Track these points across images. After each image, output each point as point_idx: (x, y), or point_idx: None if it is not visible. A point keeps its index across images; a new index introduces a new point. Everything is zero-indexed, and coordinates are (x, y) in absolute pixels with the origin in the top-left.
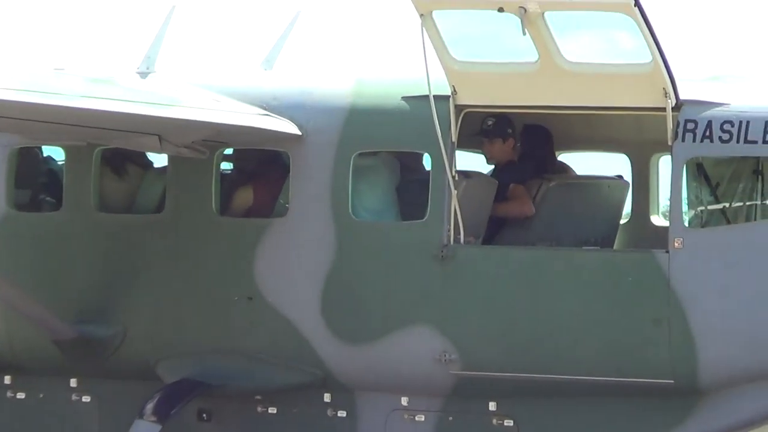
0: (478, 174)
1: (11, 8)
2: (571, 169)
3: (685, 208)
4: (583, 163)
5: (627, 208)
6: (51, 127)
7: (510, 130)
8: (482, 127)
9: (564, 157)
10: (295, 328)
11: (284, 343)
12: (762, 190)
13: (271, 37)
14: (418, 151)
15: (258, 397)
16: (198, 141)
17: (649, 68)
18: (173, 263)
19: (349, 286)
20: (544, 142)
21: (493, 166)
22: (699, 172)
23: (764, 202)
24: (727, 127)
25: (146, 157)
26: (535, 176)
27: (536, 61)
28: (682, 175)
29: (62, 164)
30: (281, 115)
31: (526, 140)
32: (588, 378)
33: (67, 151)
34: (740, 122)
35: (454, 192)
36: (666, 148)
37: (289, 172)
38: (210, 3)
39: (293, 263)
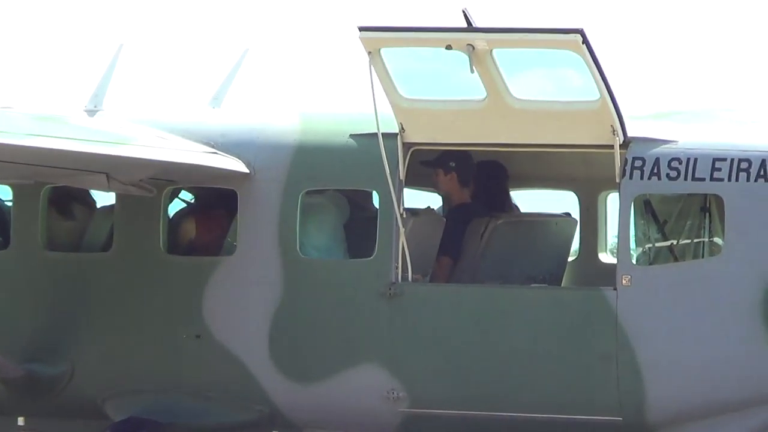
0: (426, 211)
1: None
2: (517, 206)
3: (633, 245)
4: (531, 200)
5: (575, 245)
6: None
7: (453, 164)
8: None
9: (512, 195)
10: (243, 366)
11: (232, 381)
12: (710, 227)
13: (218, 74)
14: (366, 189)
15: None
16: (145, 179)
17: (596, 105)
18: (121, 302)
19: (296, 325)
20: (499, 178)
21: (442, 202)
22: (647, 209)
23: (712, 239)
24: (674, 164)
25: (90, 195)
26: (485, 214)
27: (484, 99)
28: (629, 213)
29: (10, 203)
30: (229, 153)
31: (480, 177)
32: (537, 416)
33: (15, 189)
34: (688, 159)
35: (402, 230)
36: (614, 186)
37: (236, 210)
38: (158, 41)
39: (241, 301)
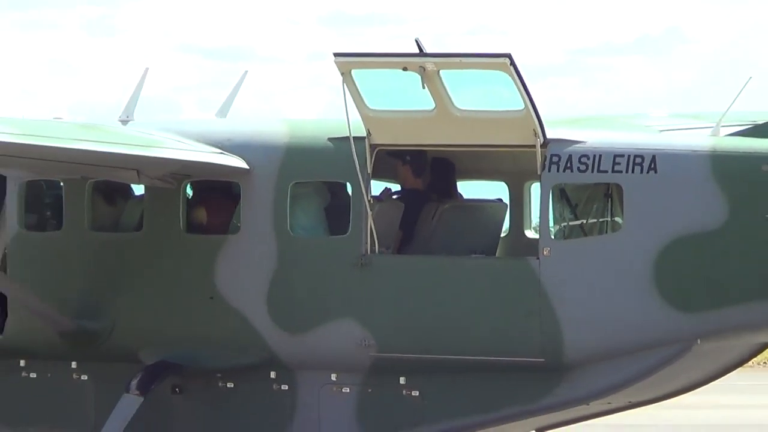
0: (388, 198)
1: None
2: (461, 194)
3: (551, 224)
4: (470, 189)
5: (506, 224)
6: (50, 164)
7: (408, 158)
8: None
9: (457, 185)
10: (246, 321)
11: (238, 333)
12: (611, 209)
13: (224, 91)
14: (341, 181)
15: (218, 375)
16: (168, 174)
17: (522, 114)
18: (150, 271)
19: (288, 288)
20: (448, 171)
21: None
22: (562, 195)
23: (613, 219)
24: (584, 159)
25: (129, 187)
26: (436, 200)
27: (433, 109)
28: (549, 198)
29: (62, 193)
30: (233, 154)
31: (433, 171)
32: (477, 358)
33: (66, 183)
34: (594, 155)
35: (370, 213)
36: (536, 177)
37: (239, 198)
38: (176, 65)
39: (245, 270)
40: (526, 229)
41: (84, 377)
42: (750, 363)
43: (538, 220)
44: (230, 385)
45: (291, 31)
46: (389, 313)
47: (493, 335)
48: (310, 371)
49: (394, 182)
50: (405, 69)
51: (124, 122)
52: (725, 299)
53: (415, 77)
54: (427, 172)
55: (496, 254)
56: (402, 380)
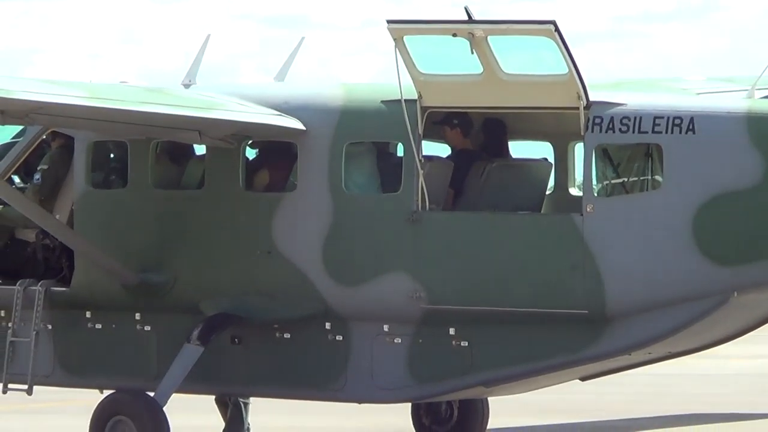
0: (438, 158)
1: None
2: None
3: (594, 182)
4: (517, 149)
5: (551, 182)
6: (117, 125)
7: (456, 121)
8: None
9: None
10: (303, 274)
11: (295, 285)
12: (652, 168)
13: (282, 56)
14: (393, 141)
15: (276, 326)
16: (228, 135)
17: (566, 78)
18: (211, 227)
19: (343, 243)
20: (500, 131)
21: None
22: (605, 155)
23: (653, 177)
24: (625, 121)
25: (191, 147)
26: (484, 159)
27: (481, 73)
28: (592, 158)
29: (127, 153)
30: (291, 116)
31: (486, 130)
32: (523, 310)
33: (131, 143)
34: (634, 117)
35: (421, 171)
36: (579, 137)
37: (296, 157)
38: (236, 32)
39: (301, 226)
40: (570, 187)
41: (147, 328)
42: None
43: (581, 178)
44: (287, 335)
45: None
46: (439, 267)
47: (538, 288)
48: (363, 322)
49: (443, 143)
50: (455, 35)
51: (187, 86)
52: (760, 253)
53: (464, 43)
54: (476, 132)
55: (542, 211)
56: (451, 331)
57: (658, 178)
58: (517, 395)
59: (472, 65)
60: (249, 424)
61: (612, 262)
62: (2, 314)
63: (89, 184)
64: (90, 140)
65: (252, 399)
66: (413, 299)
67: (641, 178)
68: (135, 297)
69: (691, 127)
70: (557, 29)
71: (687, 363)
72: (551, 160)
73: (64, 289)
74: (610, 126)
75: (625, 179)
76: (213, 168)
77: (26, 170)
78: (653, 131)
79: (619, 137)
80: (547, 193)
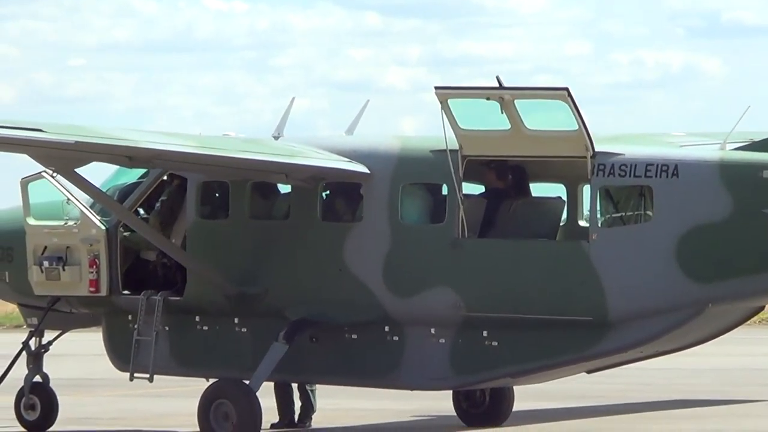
0: (475, 196)
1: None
2: (531, 192)
3: (598, 215)
4: (537, 189)
5: (564, 215)
6: (221, 169)
7: (492, 165)
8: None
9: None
10: (367, 288)
11: (361, 296)
12: (644, 204)
13: (351, 116)
14: (439, 183)
15: (345, 328)
16: (308, 177)
17: (576, 133)
18: (294, 249)
19: (399, 263)
20: (522, 175)
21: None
22: (607, 194)
23: (645, 212)
24: (623, 167)
25: (277, 186)
26: (511, 197)
27: (509, 129)
28: (596, 196)
29: (229, 191)
30: (358, 162)
31: (512, 174)
32: (541, 316)
33: (232, 183)
34: (631, 164)
35: (461, 206)
36: (587, 180)
37: (362, 195)
38: (315, 95)
39: (366, 249)
40: (579, 219)
41: (244, 329)
42: (749, 321)
43: (588, 212)
44: (354, 336)
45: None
46: (475, 282)
47: (553, 299)
48: (415, 326)
49: (479, 184)
50: (488, 99)
51: (276, 138)
52: (731, 273)
53: (495, 105)
54: (506, 175)
55: (557, 238)
56: (485, 333)
57: (649, 212)
58: (537, 384)
59: (502, 122)
60: (316, 406)
61: (612, 278)
62: (129, 318)
63: (198, 216)
64: (199, 180)
65: (323, 386)
66: (454, 308)
67: (635, 212)
68: (234, 305)
69: (675, 172)
70: (569, 94)
71: (672, 359)
72: (564, 198)
73: (178, 298)
74: (612, 171)
75: (623, 213)
76: (296, 203)
77: (149, 204)
78: (645, 175)
79: (618, 180)
80: (561, 224)
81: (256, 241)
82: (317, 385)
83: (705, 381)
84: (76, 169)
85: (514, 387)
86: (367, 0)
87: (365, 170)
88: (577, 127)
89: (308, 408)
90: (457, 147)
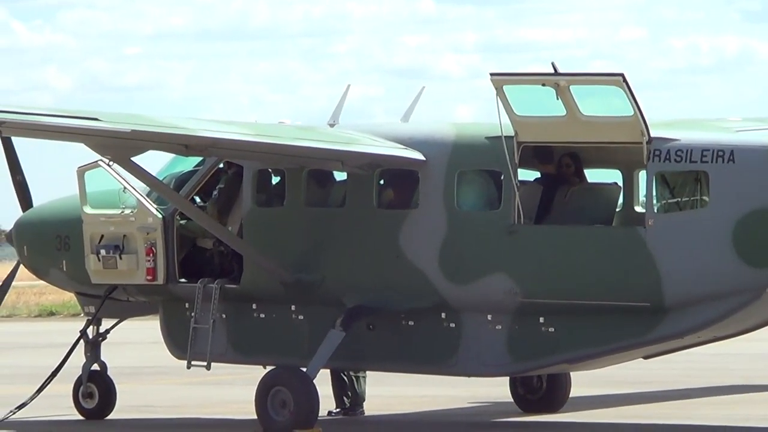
0: (530, 182)
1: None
2: (586, 178)
3: (654, 201)
4: (593, 175)
5: (620, 201)
6: (277, 157)
7: (549, 152)
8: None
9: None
10: (424, 274)
11: (417, 283)
12: (700, 190)
13: (406, 103)
14: (495, 169)
15: (402, 315)
16: (365, 164)
17: (632, 118)
18: (351, 236)
19: (455, 250)
20: (578, 161)
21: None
22: (663, 180)
23: (701, 197)
24: (679, 153)
25: (333, 173)
26: (567, 183)
27: (565, 115)
28: (652, 182)
29: (285, 178)
30: (414, 149)
31: (568, 160)
32: (598, 302)
33: (288, 171)
34: (687, 150)
35: (517, 192)
36: (643, 166)
37: (418, 182)
38: (371, 82)
39: (422, 236)
40: (635, 205)
41: (300, 317)
42: None
43: (644, 198)
44: (411, 323)
45: (456, 58)
46: (532, 269)
47: (610, 285)
48: (471, 313)
49: (535, 170)
50: (544, 85)
51: (332, 125)
52: None
53: (551, 91)
54: (561, 162)
55: (613, 224)
56: (541, 320)
57: (705, 198)
58: (593, 370)
59: (558, 108)
60: (365, 392)
61: (668, 264)
62: (187, 306)
63: (255, 204)
64: (255, 168)
65: (379, 374)
66: (511, 294)
67: (692, 198)
68: (291, 292)
69: (731, 157)
70: (625, 80)
71: (729, 345)
72: (620, 184)
73: (234, 286)
74: (668, 157)
75: (679, 199)
76: (352, 190)
77: (205, 192)
78: (701, 161)
79: (674, 166)
80: (617, 210)
81: (313, 229)
82: (367, 372)
83: (762, 366)
84: (132, 158)
85: (571, 373)
86: None
87: (421, 157)
88: (632, 113)
89: (356, 396)
90: (512, 133)
